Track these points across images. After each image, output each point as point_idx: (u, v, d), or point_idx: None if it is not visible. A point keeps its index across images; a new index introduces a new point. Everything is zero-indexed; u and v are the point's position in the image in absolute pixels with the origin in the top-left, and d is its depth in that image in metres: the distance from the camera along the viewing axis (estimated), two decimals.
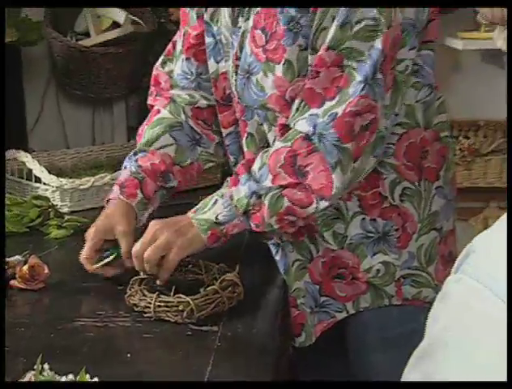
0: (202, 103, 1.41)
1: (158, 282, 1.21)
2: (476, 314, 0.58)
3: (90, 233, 1.28)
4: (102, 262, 1.25)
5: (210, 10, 1.33)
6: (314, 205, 1.18)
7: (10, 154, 1.78)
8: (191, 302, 1.11)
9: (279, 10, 1.21)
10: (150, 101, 1.48)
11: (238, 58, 1.28)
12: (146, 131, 1.41)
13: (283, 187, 1.17)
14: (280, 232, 1.24)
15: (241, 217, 1.20)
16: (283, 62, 1.21)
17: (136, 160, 1.36)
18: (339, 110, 1.15)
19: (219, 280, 1.17)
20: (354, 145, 1.17)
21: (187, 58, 1.41)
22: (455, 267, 0.61)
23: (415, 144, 1.28)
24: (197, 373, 0.98)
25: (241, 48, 1.27)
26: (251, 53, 1.25)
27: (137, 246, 1.21)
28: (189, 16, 1.39)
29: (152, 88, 1.47)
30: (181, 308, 1.12)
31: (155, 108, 1.44)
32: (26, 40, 1.93)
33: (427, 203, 1.31)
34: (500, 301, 0.57)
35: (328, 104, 1.16)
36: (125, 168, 1.37)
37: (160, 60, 1.47)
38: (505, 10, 0.67)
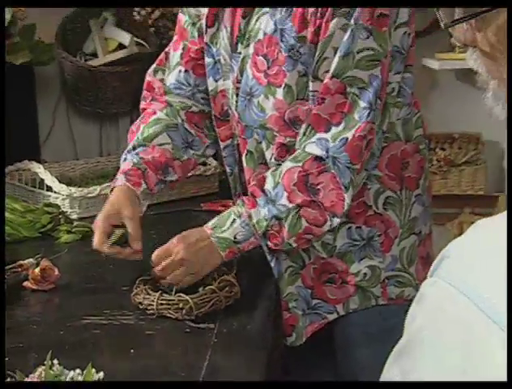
0: (195, 108, 1.40)
1: (162, 281, 1.19)
2: (449, 316, 0.58)
3: (98, 221, 1.25)
4: (111, 241, 1.23)
5: (210, 32, 1.32)
6: (329, 223, 1.19)
7: (23, 165, 1.78)
8: (190, 301, 1.12)
9: (279, 39, 1.21)
10: (143, 105, 1.44)
11: (239, 81, 1.27)
12: (143, 129, 1.37)
13: (300, 207, 1.18)
14: (297, 248, 1.24)
15: (259, 236, 1.20)
16: (283, 86, 1.22)
17: (137, 154, 1.32)
18: (349, 135, 1.17)
19: (218, 281, 1.18)
20: (360, 164, 1.19)
21: (186, 70, 1.39)
22: (431, 271, 0.60)
23: (396, 156, 1.29)
24: (194, 367, 0.98)
25: (242, 72, 1.27)
26: (253, 77, 1.25)
27: (160, 255, 1.20)
28: (187, 31, 1.37)
29: (146, 93, 1.45)
30: (180, 306, 1.12)
31: (150, 110, 1.41)
32: (39, 61, 1.93)
33: (407, 210, 1.31)
34: (472, 305, 0.56)
35: (336, 129, 1.18)
36: (125, 160, 1.34)
37: (152, 68, 1.45)
38: (477, 32, 0.67)
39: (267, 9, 1.23)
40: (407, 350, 0.60)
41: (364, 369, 1.27)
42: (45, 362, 0.86)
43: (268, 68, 1.23)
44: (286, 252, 1.30)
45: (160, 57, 1.44)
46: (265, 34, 1.23)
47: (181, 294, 1.13)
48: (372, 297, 1.28)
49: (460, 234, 0.64)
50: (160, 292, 1.15)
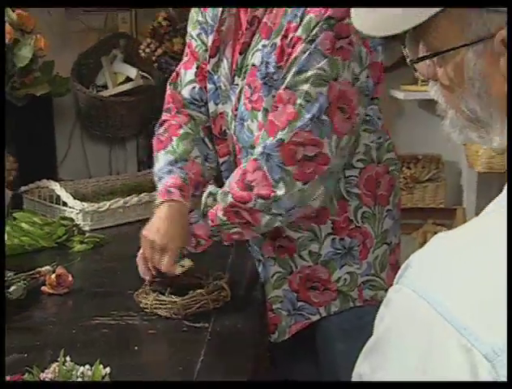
0: (208, 123, 1.37)
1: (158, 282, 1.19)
2: (412, 319, 0.57)
3: (170, 245, 1.16)
4: (180, 270, 1.18)
5: (212, 61, 1.31)
6: (253, 202, 1.16)
7: (42, 183, 1.77)
8: (178, 302, 1.12)
9: (258, 67, 1.20)
10: (167, 117, 1.37)
11: (236, 109, 1.27)
12: (177, 142, 1.31)
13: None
14: (229, 223, 1.19)
15: (203, 218, 1.19)
16: (262, 110, 1.21)
17: (182, 168, 1.26)
18: (286, 138, 1.15)
19: (207, 285, 1.17)
20: (297, 169, 1.15)
21: (200, 87, 1.35)
22: (396, 278, 0.60)
23: (371, 177, 1.28)
24: (190, 362, 0.97)
25: (239, 100, 1.26)
26: (243, 104, 1.25)
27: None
28: (199, 54, 1.34)
29: (171, 105, 1.37)
30: (169, 306, 1.12)
31: (174, 122, 1.34)
32: (56, 92, 1.93)
33: (380, 223, 1.30)
34: (432, 309, 0.56)
35: (279, 133, 1.15)
36: (170, 172, 1.25)
37: (171, 80, 1.39)
38: (438, 68, 0.67)
39: (260, 46, 1.22)
40: (375, 348, 0.60)
41: (341, 362, 1.26)
42: (59, 359, 0.86)
43: (251, 95, 1.23)
44: (275, 259, 1.29)
45: (172, 76, 1.40)
46: (253, 66, 1.22)
47: (173, 296, 1.13)
48: (350, 300, 1.28)
49: (424, 242, 0.63)
50: (156, 293, 1.14)
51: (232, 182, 1.19)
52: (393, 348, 0.57)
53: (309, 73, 1.14)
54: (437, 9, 0.60)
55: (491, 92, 0.62)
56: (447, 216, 2.44)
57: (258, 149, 1.17)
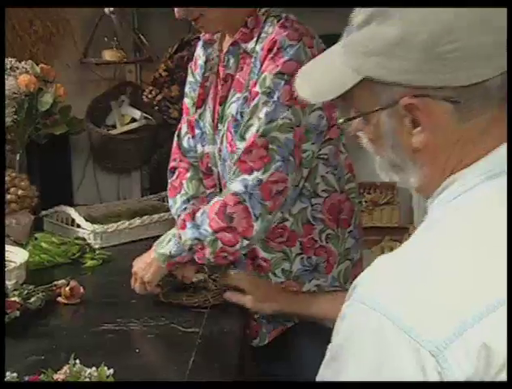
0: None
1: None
2: (365, 328, 0.57)
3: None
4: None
5: (198, 111, 1.32)
6: (239, 244, 1.15)
7: (60, 208, 1.74)
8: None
9: (235, 117, 1.20)
10: (174, 164, 1.39)
11: (221, 150, 1.27)
12: (187, 184, 1.33)
13: (217, 232, 1.14)
14: (217, 263, 1.20)
15: (188, 252, 1.17)
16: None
17: (194, 204, 1.27)
18: (264, 178, 1.14)
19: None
20: (271, 203, 1.15)
21: (192, 136, 1.37)
22: (348, 296, 0.60)
23: (334, 204, 1.27)
24: (183, 362, 0.96)
25: (222, 143, 1.26)
26: (225, 146, 1.25)
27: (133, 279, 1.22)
28: (190, 109, 1.36)
29: (176, 155, 1.39)
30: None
31: (182, 169, 1.37)
32: (73, 132, 1.92)
33: (343, 242, 1.30)
34: (382, 316, 0.55)
35: (256, 174, 1.14)
36: (185, 209, 1.27)
37: (177, 133, 1.41)
38: (364, 125, 0.69)
39: (235, 98, 1.23)
40: (335, 356, 0.59)
41: (310, 362, 1.24)
42: (70, 361, 0.84)
43: (232, 139, 1.23)
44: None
45: (177, 129, 1.42)
46: (232, 116, 1.23)
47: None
48: None
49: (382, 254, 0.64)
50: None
51: (210, 214, 1.15)
52: (350, 355, 0.57)
53: (279, 122, 1.14)
54: (355, 82, 0.64)
55: (402, 145, 0.65)
56: (401, 233, 2.46)
57: (238, 187, 1.15)
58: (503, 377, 0.53)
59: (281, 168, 1.14)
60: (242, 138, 1.18)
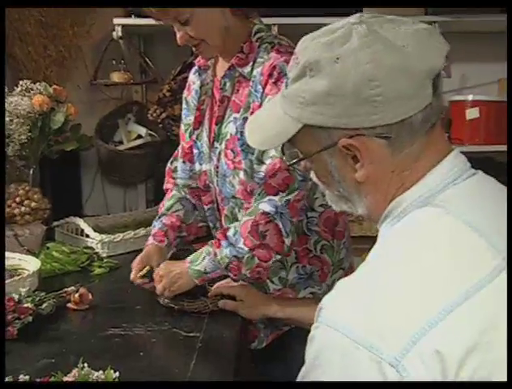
0: (194, 185, 1.39)
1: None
2: (330, 346, 0.59)
3: (135, 262, 1.27)
4: (140, 274, 1.26)
5: (196, 132, 1.33)
6: (273, 259, 1.16)
7: (70, 219, 1.73)
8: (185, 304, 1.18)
9: (237, 136, 1.22)
10: (165, 186, 1.46)
11: (218, 167, 1.28)
12: (166, 203, 1.40)
13: (252, 249, 1.15)
14: (251, 278, 1.20)
15: (222, 269, 1.17)
16: (242, 170, 1.22)
17: (161, 221, 1.35)
18: (291, 198, 1.15)
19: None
20: (296, 219, 1.17)
21: (183, 162, 1.40)
22: (315, 318, 0.61)
23: (330, 218, 1.28)
24: (185, 365, 0.96)
25: (219, 161, 1.27)
26: (225, 164, 1.25)
27: (156, 279, 1.22)
28: (185, 136, 1.38)
29: (166, 178, 1.46)
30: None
31: (169, 190, 1.44)
32: (83, 148, 1.92)
33: (337, 253, 1.30)
34: (345, 337, 0.57)
35: (282, 194, 1.16)
36: (154, 226, 1.36)
37: (170, 160, 1.45)
38: (311, 164, 0.72)
39: (232, 118, 1.24)
40: (307, 375, 0.62)
41: (302, 362, 1.24)
42: (78, 365, 0.84)
43: (234, 157, 1.23)
44: (253, 284, 1.27)
45: (175, 152, 1.45)
46: (231, 135, 1.24)
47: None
48: None
49: None
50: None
51: (243, 233, 1.16)
52: (321, 372, 0.59)
53: None
54: (296, 129, 0.68)
55: (346, 179, 0.69)
56: None
57: (268, 207, 1.15)
58: (462, 378, 0.54)
59: (302, 186, 1.16)
60: (260, 161, 1.19)
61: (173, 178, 1.43)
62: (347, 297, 0.61)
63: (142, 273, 1.25)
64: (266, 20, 1.29)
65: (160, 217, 1.37)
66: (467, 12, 1.97)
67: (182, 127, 1.41)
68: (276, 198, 1.16)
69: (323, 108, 0.64)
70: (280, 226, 1.15)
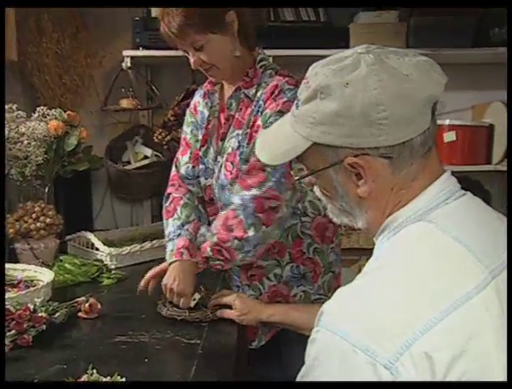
0: (200, 194, 1.39)
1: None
2: (329, 349, 0.59)
3: (184, 289, 1.18)
4: (193, 303, 1.20)
5: (203, 149, 1.34)
6: (230, 242, 1.17)
7: (82, 233, 1.73)
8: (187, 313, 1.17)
9: (239, 150, 1.23)
10: (171, 190, 1.37)
11: (218, 178, 1.29)
12: (181, 210, 1.31)
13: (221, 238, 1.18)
14: (214, 258, 1.19)
15: (198, 250, 1.19)
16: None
17: (187, 229, 1.26)
18: (258, 193, 1.17)
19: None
20: (265, 216, 1.17)
21: (193, 166, 1.37)
22: (316, 322, 0.62)
23: (321, 223, 1.30)
24: (186, 370, 0.95)
25: (219, 172, 1.28)
26: (224, 175, 1.27)
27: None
28: (192, 144, 1.37)
29: (175, 182, 1.39)
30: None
31: (177, 195, 1.35)
32: (94, 168, 1.92)
33: (327, 256, 1.31)
34: (343, 341, 0.57)
35: (253, 190, 1.17)
36: (179, 235, 1.24)
37: (174, 164, 1.42)
38: (316, 179, 0.72)
39: (235, 134, 1.25)
40: (307, 375, 0.61)
41: (298, 362, 1.23)
42: (88, 371, 0.84)
43: (232, 169, 1.25)
44: (249, 285, 1.28)
45: (174, 160, 1.43)
46: (232, 149, 1.25)
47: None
48: None
49: (359, 273, 0.66)
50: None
51: (217, 226, 1.19)
52: (321, 373, 0.59)
53: None
54: (306, 147, 0.68)
55: (349, 194, 0.69)
56: None
57: (236, 200, 1.18)
58: (451, 378, 0.55)
59: (274, 186, 1.17)
60: (246, 161, 1.21)
61: (183, 182, 1.38)
62: (346, 304, 0.61)
63: (194, 302, 1.20)
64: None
65: (183, 225, 1.28)
66: (444, 46, 2.01)
67: (188, 137, 1.39)
68: (248, 192, 1.17)
69: (332, 128, 0.65)
70: (243, 219, 1.16)
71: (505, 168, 2.12)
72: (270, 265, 1.28)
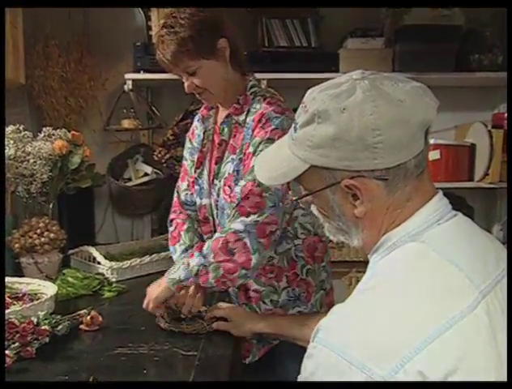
0: (198, 218, 1.39)
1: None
2: (326, 366, 0.59)
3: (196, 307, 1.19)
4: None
5: (198, 171, 1.35)
6: (238, 273, 1.14)
7: (84, 248, 1.73)
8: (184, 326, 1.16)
9: (234, 174, 1.23)
10: (173, 216, 1.39)
11: (217, 201, 1.29)
12: (184, 235, 1.33)
13: (221, 262, 1.14)
14: (218, 287, 1.18)
15: (194, 277, 1.16)
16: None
17: (192, 255, 1.21)
18: (260, 220, 1.15)
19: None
20: (266, 241, 1.15)
21: (191, 193, 1.39)
22: (312, 337, 0.62)
23: (311, 244, 1.29)
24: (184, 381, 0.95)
25: (218, 196, 1.29)
26: (223, 198, 1.27)
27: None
28: (189, 170, 1.38)
29: (176, 208, 1.40)
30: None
31: (179, 220, 1.37)
32: (96, 184, 1.93)
33: (318, 276, 1.31)
34: (339, 357, 0.57)
35: (253, 216, 1.15)
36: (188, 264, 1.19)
37: (176, 190, 1.43)
38: (314, 199, 0.72)
39: (230, 159, 1.26)
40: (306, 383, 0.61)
41: (291, 377, 1.23)
42: (90, 380, 0.83)
43: (230, 192, 1.25)
44: (247, 305, 1.27)
45: (176, 186, 1.44)
46: (229, 173, 1.26)
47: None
48: None
49: (350, 284, 0.66)
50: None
51: (214, 248, 1.15)
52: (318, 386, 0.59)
53: None
54: (304, 169, 0.68)
55: (345, 214, 0.69)
56: (365, 266, 2.37)
57: (239, 226, 1.15)
58: None
59: (273, 211, 1.16)
60: (242, 186, 1.18)
61: (184, 208, 1.40)
62: (343, 322, 0.61)
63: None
64: (256, 75, 1.34)
65: (186, 250, 1.29)
66: (428, 70, 2.05)
67: (186, 163, 1.41)
68: (247, 219, 1.15)
69: (329, 151, 0.64)
70: (248, 243, 1.14)
71: (486, 185, 2.15)
72: (266, 291, 1.27)
